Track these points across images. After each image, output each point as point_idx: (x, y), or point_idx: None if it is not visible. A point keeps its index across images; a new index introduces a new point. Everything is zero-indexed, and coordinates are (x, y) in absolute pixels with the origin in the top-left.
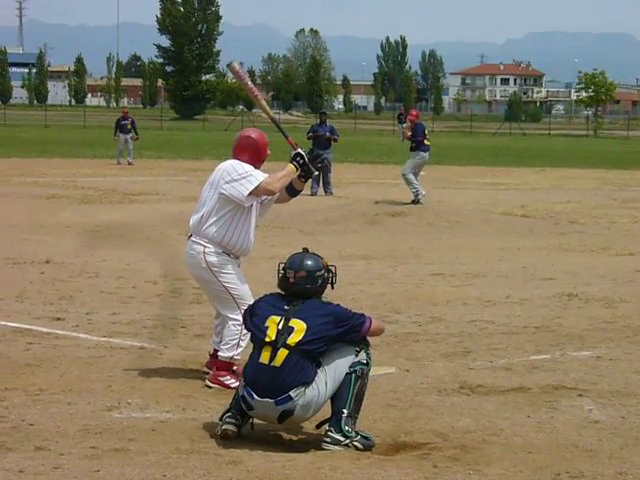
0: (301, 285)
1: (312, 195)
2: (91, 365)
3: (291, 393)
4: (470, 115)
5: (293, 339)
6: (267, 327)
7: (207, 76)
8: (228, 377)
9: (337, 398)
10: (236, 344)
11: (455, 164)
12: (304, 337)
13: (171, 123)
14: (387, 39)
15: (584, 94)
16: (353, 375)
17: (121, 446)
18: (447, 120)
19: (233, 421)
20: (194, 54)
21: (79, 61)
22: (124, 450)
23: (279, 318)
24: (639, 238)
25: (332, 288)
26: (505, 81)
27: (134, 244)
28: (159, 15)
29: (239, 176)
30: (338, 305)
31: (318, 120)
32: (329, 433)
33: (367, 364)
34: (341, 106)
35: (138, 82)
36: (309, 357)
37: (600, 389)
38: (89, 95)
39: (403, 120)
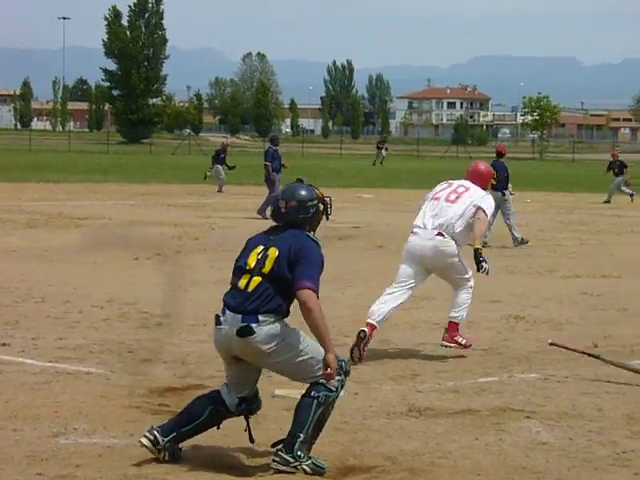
0: (292, 215)
1: (263, 218)
2: (37, 391)
3: (259, 316)
4: (417, 139)
5: (266, 267)
6: (249, 257)
7: (154, 100)
8: (460, 338)
9: (296, 420)
10: (466, 307)
11: (403, 187)
12: (274, 263)
13: (118, 147)
14: (334, 63)
15: (529, 118)
16: (315, 401)
17: (67, 472)
18: (394, 144)
19: (151, 437)
20: (141, 78)
21: (25, 85)
22: (71, 476)
23: (261, 248)
24: (585, 260)
25: (327, 219)
26: (452, 105)
27: (80, 268)
28: (105, 39)
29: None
30: (318, 248)
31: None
32: (280, 453)
33: (334, 391)
34: (289, 130)
35: (84, 106)
36: (279, 285)
37: (547, 411)
38: (35, 119)
39: (383, 146)
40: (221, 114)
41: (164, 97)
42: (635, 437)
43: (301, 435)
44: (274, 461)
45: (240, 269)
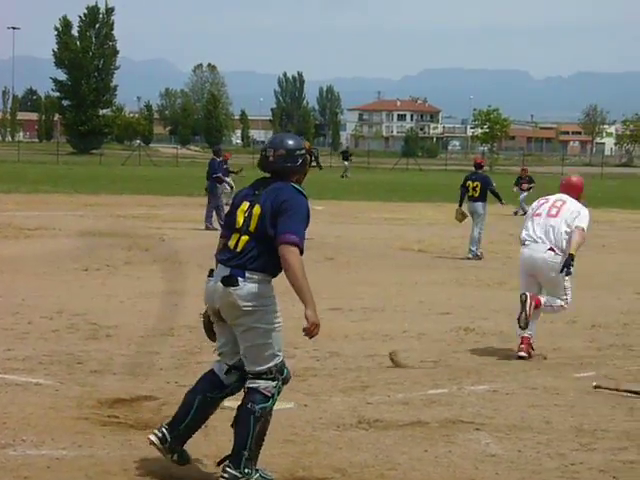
0: (280, 163)
1: (206, 229)
2: None
3: (246, 272)
4: (367, 151)
5: (252, 226)
6: (237, 215)
7: (104, 110)
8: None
9: (237, 437)
10: (559, 306)
11: (352, 199)
12: (258, 221)
13: (67, 157)
14: (285, 74)
15: (480, 130)
16: (252, 416)
17: None
18: None
19: (160, 435)
20: (91, 88)
21: None
22: None
23: (247, 205)
24: None
25: (320, 169)
26: (402, 117)
27: (30, 279)
28: (55, 49)
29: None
30: (303, 199)
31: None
32: (228, 469)
33: (269, 399)
34: (239, 141)
35: (34, 116)
36: (266, 243)
37: (497, 423)
38: None
39: (348, 157)
40: (171, 125)
41: (114, 108)
42: (583, 449)
43: (245, 452)
44: (222, 477)
45: (229, 226)
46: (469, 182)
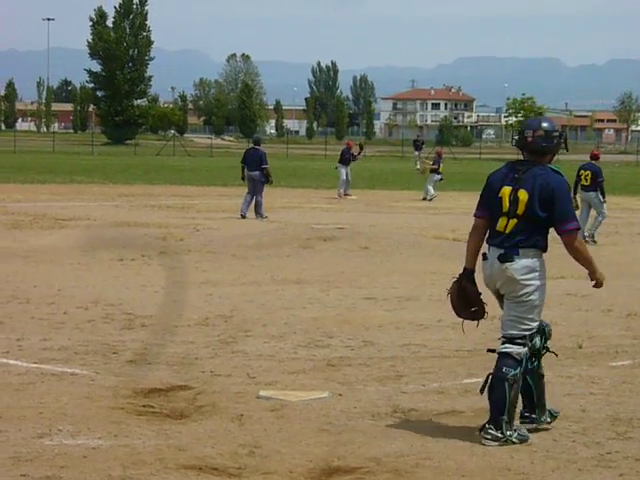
0: (538, 143)
1: (242, 218)
2: (22, 392)
3: (519, 249)
4: (401, 140)
5: (519, 209)
6: (501, 198)
7: (139, 101)
8: None
9: (494, 403)
10: None
11: (387, 188)
12: (526, 205)
13: (102, 148)
14: (318, 64)
15: (514, 119)
16: (506, 383)
17: (52, 473)
18: (379, 144)
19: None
20: (126, 79)
21: (10, 86)
22: (55, 477)
23: (510, 189)
24: (570, 261)
25: (567, 150)
26: (436, 106)
27: (65, 269)
28: (90, 40)
29: None
30: (564, 181)
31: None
32: (489, 430)
33: (519, 365)
34: (273, 131)
35: (69, 107)
36: (534, 223)
37: None
38: (19, 120)
39: (420, 147)
40: (205, 115)
41: (149, 98)
42: (619, 438)
43: (504, 417)
44: (485, 438)
45: (488, 208)
46: (582, 171)
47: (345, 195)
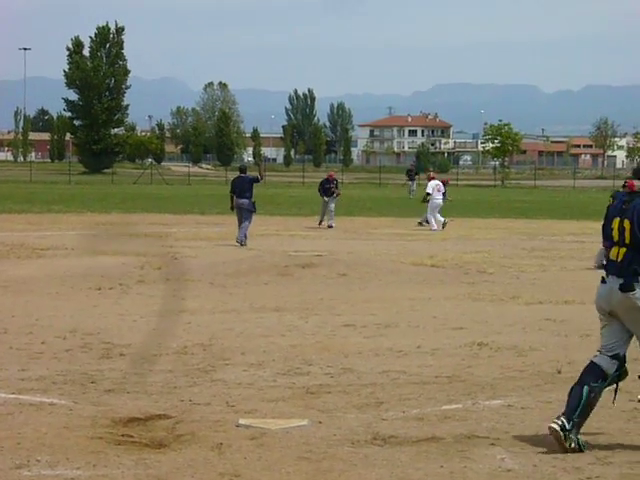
0: None
1: (240, 246)
2: (0, 422)
3: (638, 277)
4: (379, 167)
5: (627, 239)
6: (612, 229)
7: (116, 130)
8: None
9: (570, 402)
10: None
11: (364, 215)
12: (631, 234)
13: (79, 177)
14: (295, 92)
15: (491, 145)
16: (586, 388)
17: None
18: (356, 172)
19: (560, 423)
20: (103, 108)
21: None
22: None
23: (618, 220)
24: (547, 287)
25: None
26: (413, 132)
27: (43, 299)
28: (67, 69)
29: None
30: None
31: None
32: (562, 418)
33: (604, 380)
34: (251, 158)
35: (46, 136)
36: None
37: (512, 438)
38: None
39: (413, 177)
40: (183, 143)
41: (126, 127)
42: (599, 463)
43: (574, 417)
44: (554, 422)
45: (608, 238)
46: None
47: (321, 224)
